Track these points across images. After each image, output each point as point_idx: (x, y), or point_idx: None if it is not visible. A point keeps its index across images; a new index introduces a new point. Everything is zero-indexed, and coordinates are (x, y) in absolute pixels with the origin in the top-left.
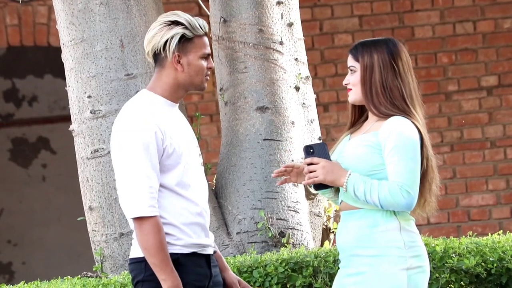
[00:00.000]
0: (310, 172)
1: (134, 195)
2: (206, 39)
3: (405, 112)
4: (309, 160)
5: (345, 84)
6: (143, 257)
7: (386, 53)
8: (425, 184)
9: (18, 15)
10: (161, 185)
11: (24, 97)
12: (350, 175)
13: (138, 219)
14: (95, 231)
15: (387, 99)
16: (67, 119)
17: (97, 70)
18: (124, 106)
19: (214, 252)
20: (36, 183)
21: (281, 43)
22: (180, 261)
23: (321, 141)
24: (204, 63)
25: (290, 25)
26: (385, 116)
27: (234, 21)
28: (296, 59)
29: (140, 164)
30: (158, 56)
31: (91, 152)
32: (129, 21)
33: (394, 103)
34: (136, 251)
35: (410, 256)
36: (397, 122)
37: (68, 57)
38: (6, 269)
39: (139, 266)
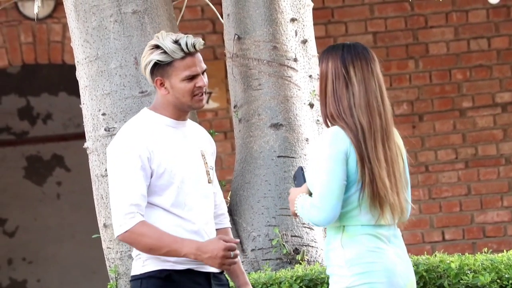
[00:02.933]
0: None
1: (115, 215)
2: (191, 59)
3: (345, 121)
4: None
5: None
6: (140, 275)
7: (339, 60)
8: (375, 196)
9: (33, 33)
10: (155, 205)
11: (38, 114)
12: (297, 200)
13: (123, 235)
14: (110, 248)
15: (336, 109)
16: (81, 136)
17: (111, 87)
18: (123, 126)
19: (222, 271)
20: (51, 201)
21: (295, 60)
22: (173, 278)
23: (298, 166)
24: (188, 85)
25: (304, 42)
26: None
27: (248, 38)
28: (310, 76)
29: (122, 186)
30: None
31: (106, 170)
32: (143, 38)
33: (340, 113)
34: (134, 269)
35: (351, 274)
36: (323, 134)
37: (82, 75)
38: (21, 287)
39: (137, 284)
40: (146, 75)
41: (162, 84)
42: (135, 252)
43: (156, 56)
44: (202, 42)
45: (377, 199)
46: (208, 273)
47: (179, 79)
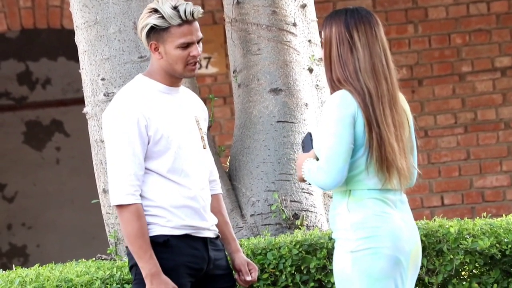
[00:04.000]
0: None
1: (114, 184)
2: (188, 27)
3: (352, 85)
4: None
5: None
6: None
7: (342, 25)
8: (383, 160)
9: None
10: (151, 170)
11: (37, 80)
12: (304, 164)
13: (118, 207)
14: (109, 213)
15: (342, 74)
16: (80, 101)
17: (110, 52)
18: (118, 92)
19: (217, 236)
20: (50, 166)
21: (294, 24)
22: (171, 243)
23: (307, 132)
24: (182, 52)
25: (303, 6)
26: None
27: (247, 3)
28: (309, 41)
29: (121, 154)
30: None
31: None
32: (142, 3)
33: (347, 78)
34: None
35: (356, 238)
36: (330, 97)
37: (81, 40)
38: (21, 252)
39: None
40: (142, 38)
41: (156, 49)
42: None
43: (153, 20)
44: (201, 10)
45: (385, 163)
46: (205, 238)
47: (174, 45)
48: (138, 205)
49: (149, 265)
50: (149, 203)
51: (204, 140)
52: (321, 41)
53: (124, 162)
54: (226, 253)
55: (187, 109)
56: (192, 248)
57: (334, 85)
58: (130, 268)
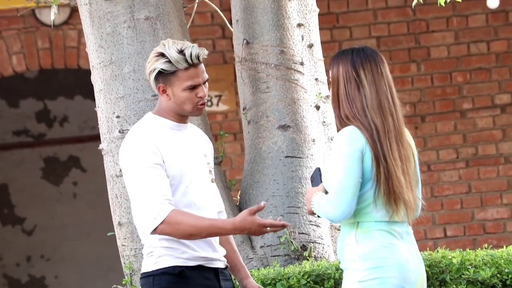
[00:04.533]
0: None
1: (144, 213)
2: (194, 70)
3: (360, 122)
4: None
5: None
6: (152, 271)
7: (349, 64)
8: (390, 193)
9: (50, 39)
10: None
11: (55, 117)
12: (313, 198)
13: (160, 228)
14: (125, 245)
15: (350, 111)
16: (96, 138)
17: (125, 91)
18: (130, 129)
19: (226, 266)
20: (67, 200)
21: (301, 63)
22: (185, 274)
23: (316, 168)
24: (189, 94)
25: (310, 46)
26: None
27: (256, 43)
28: (316, 79)
29: (143, 183)
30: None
31: (120, 170)
32: (156, 43)
33: (355, 114)
34: (145, 266)
35: (364, 268)
36: (339, 133)
37: (97, 79)
38: (40, 283)
39: (148, 281)
40: (150, 81)
41: (164, 91)
42: (146, 249)
43: (161, 64)
44: (206, 52)
45: (392, 196)
46: (217, 269)
47: (181, 88)
48: (173, 210)
49: (231, 225)
50: (163, 236)
51: (211, 173)
52: (328, 80)
53: (151, 189)
54: (237, 280)
55: (195, 145)
56: (205, 279)
57: (343, 122)
58: None
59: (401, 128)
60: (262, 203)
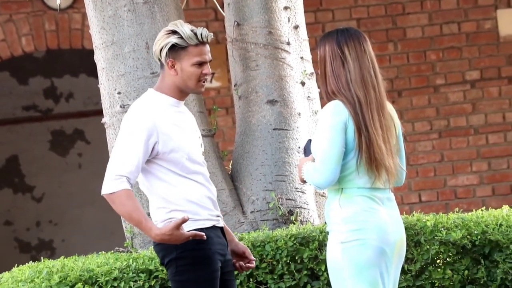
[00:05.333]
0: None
1: (106, 175)
2: (202, 48)
3: (344, 95)
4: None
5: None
6: None
7: (334, 43)
8: (372, 161)
9: (56, 22)
10: (173, 172)
11: (61, 94)
12: (304, 166)
13: (108, 196)
14: None
15: (336, 86)
16: (99, 113)
17: (125, 69)
18: (132, 104)
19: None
20: (73, 170)
21: (288, 43)
22: (208, 235)
23: (308, 139)
24: (196, 70)
25: (296, 27)
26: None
27: (246, 25)
28: (301, 58)
29: (120, 151)
30: (160, 60)
31: None
32: (154, 25)
33: (340, 89)
34: None
35: (346, 230)
36: (325, 107)
37: (100, 58)
38: (48, 246)
39: (168, 246)
40: (162, 55)
41: (173, 66)
42: (162, 216)
43: (174, 39)
44: (212, 35)
45: (374, 163)
46: (222, 227)
47: (190, 63)
48: (124, 189)
49: (154, 229)
50: (180, 201)
51: (202, 147)
52: (312, 58)
53: (122, 159)
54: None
55: (189, 121)
56: (218, 237)
57: (329, 97)
58: (166, 264)
59: (383, 100)
60: (186, 216)
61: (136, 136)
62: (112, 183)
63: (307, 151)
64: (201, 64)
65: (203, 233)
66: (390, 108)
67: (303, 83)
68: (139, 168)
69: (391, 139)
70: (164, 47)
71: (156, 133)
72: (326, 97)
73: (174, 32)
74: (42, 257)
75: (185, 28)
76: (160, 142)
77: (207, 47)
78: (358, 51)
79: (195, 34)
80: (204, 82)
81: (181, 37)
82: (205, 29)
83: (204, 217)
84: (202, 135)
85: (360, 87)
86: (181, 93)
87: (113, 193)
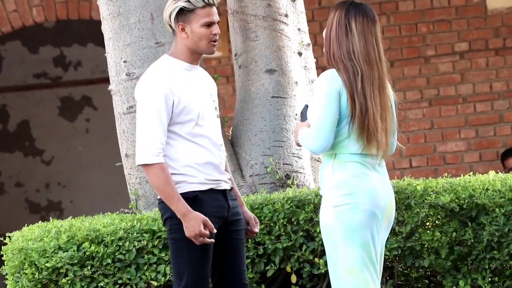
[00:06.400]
0: None
1: (141, 146)
2: (210, 9)
3: (344, 63)
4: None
5: None
6: None
7: (343, 13)
8: (364, 130)
9: None
10: (178, 135)
11: (70, 62)
12: (299, 131)
13: (145, 166)
14: (131, 174)
15: (337, 52)
16: (106, 80)
17: (131, 39)
18: (147, 69)
19: (231, 188)
20: (81, 135)
21: (286, 15)
22: (199, 197)
23: (304, 105)
24: (206, 30)
25: (294, 0)
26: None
27: None
28: (299, 29)
29: (149, 121)
30: (171, 27)
31: (127, 108)
32: None
33: (339, 56)
34: None
35: (338, 194)
36: (320, 75)
37: (107, 29)
38: (57, 207)
39: (166, 205)
40: (172, 21)
41: (183, 29)
42: None
43: (182, 3)
44: None
45: (365, 132)
46: (224, 190)
47: (199, 24)
48: (160, 164)
49: (179, 207)
50: (178, 164)
51: (217, 110)
52: (308, 30)
53: (151, 128)
54: None
55: (204, 84)
56: (216, 200)
57: (330, 61)
58: (164, 221)
59: (384, 80)
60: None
61: (157, 104)
62: (149, 155)
63: (303, 116)
64: (209, 24)
65: (212, 240)
66: (389, 88)
67: (300, 54)
68: (166, 133)
69: (388, 118)
70: (173, 12)
71: (172, 94)
72: (327, 60)
73: None
74: (51, 217)
75: None
76: (175, 102)
77: (214, 9)
78: (365, 27)
79: None
80: (215, 42)
81: (188, 1)
82: None
83: (199, 180)
84: None
85: (365, 60)
86: (193, 56)
87: (149, 164)
